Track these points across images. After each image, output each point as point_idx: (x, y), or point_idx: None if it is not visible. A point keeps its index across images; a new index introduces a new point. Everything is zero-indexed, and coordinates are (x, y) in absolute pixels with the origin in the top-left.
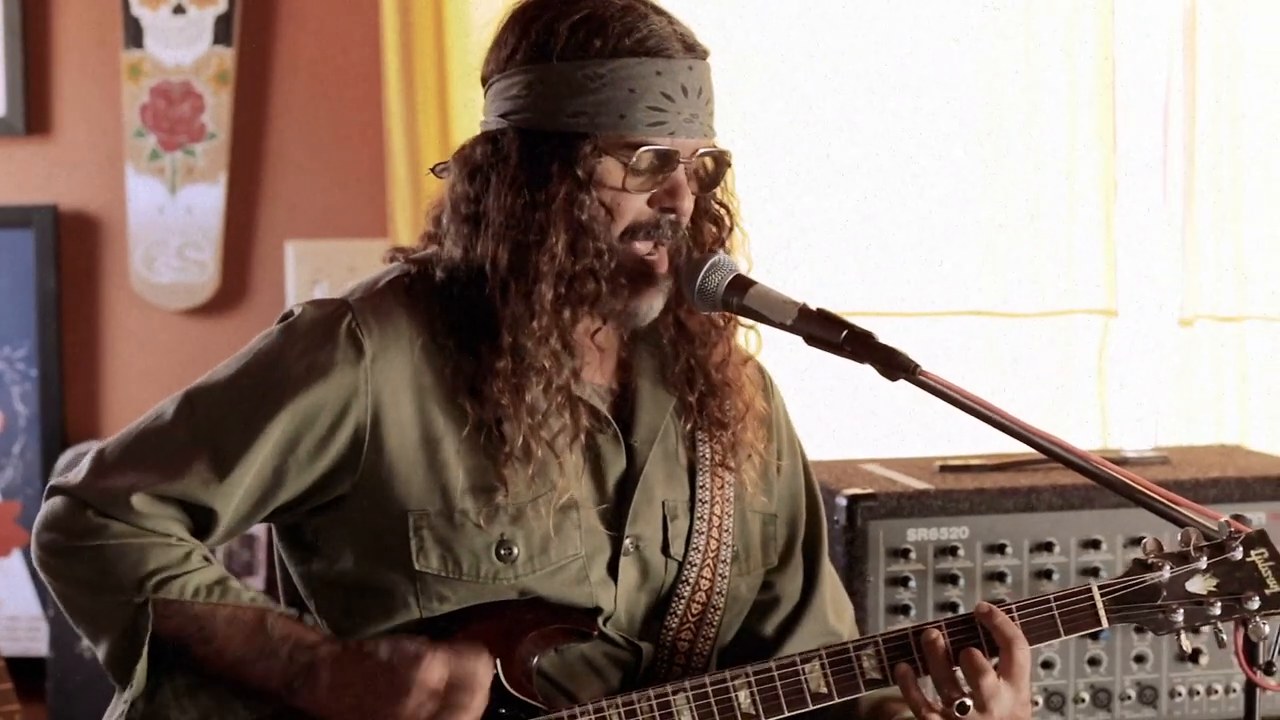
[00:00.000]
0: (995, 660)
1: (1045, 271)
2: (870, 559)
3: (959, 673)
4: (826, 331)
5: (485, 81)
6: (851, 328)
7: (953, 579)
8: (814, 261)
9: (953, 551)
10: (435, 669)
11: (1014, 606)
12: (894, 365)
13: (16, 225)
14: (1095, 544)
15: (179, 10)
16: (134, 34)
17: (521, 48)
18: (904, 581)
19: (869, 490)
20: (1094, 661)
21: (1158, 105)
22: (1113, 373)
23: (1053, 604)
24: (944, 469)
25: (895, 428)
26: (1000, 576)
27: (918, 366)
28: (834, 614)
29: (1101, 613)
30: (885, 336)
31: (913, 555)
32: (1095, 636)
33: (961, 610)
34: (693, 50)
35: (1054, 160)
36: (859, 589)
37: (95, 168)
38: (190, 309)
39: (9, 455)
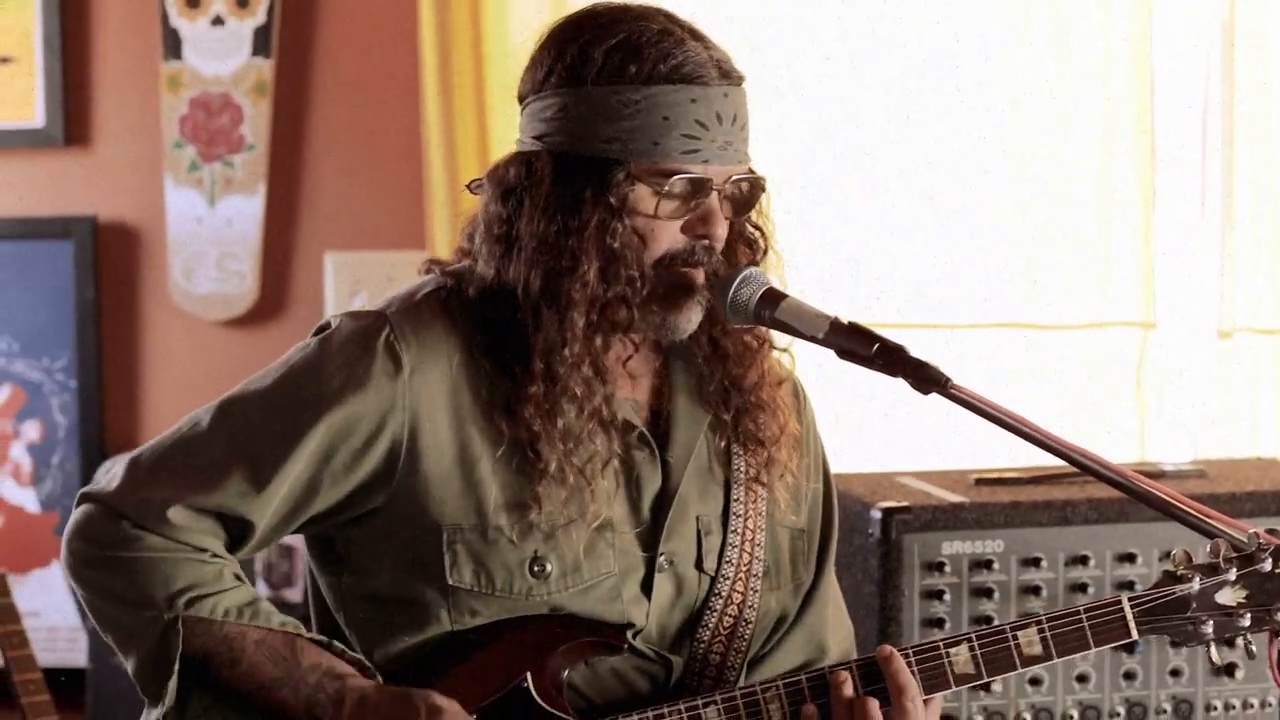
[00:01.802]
0: None
1: (1083, 283)
2: (905, 572)
3: None
4: (858, 345)
5: (522, 100)
6: (883, 341)
7: (988, 592)
8: (848, 274)
9: (988, 565)
10: None
11: (1044, 619)
12: (926, 379)
13: (56, 236)
14: (1130, 557)
15: (218, 22)
16: (173, 45)
17: (557, 70)
18: (939, 595)
19: (904, 503)
20: (1129, 675)
21: (1196, 115)
22: (1151, 385)
23: (1083, 616)
24: (980, 482)
25: (933, 441)
26: (1035, 590)
27: (949, 380)
28: (830, 630)
29: (1132, 624)
30: (921, 349)
31: (947, 569)
32: (1130, 650)
33: (996, 623)
34: (728, 77)
35: (1091, 171)
36: (893, 602)
37: (134, 179)
38: (229, 320)
39: (48, 466)
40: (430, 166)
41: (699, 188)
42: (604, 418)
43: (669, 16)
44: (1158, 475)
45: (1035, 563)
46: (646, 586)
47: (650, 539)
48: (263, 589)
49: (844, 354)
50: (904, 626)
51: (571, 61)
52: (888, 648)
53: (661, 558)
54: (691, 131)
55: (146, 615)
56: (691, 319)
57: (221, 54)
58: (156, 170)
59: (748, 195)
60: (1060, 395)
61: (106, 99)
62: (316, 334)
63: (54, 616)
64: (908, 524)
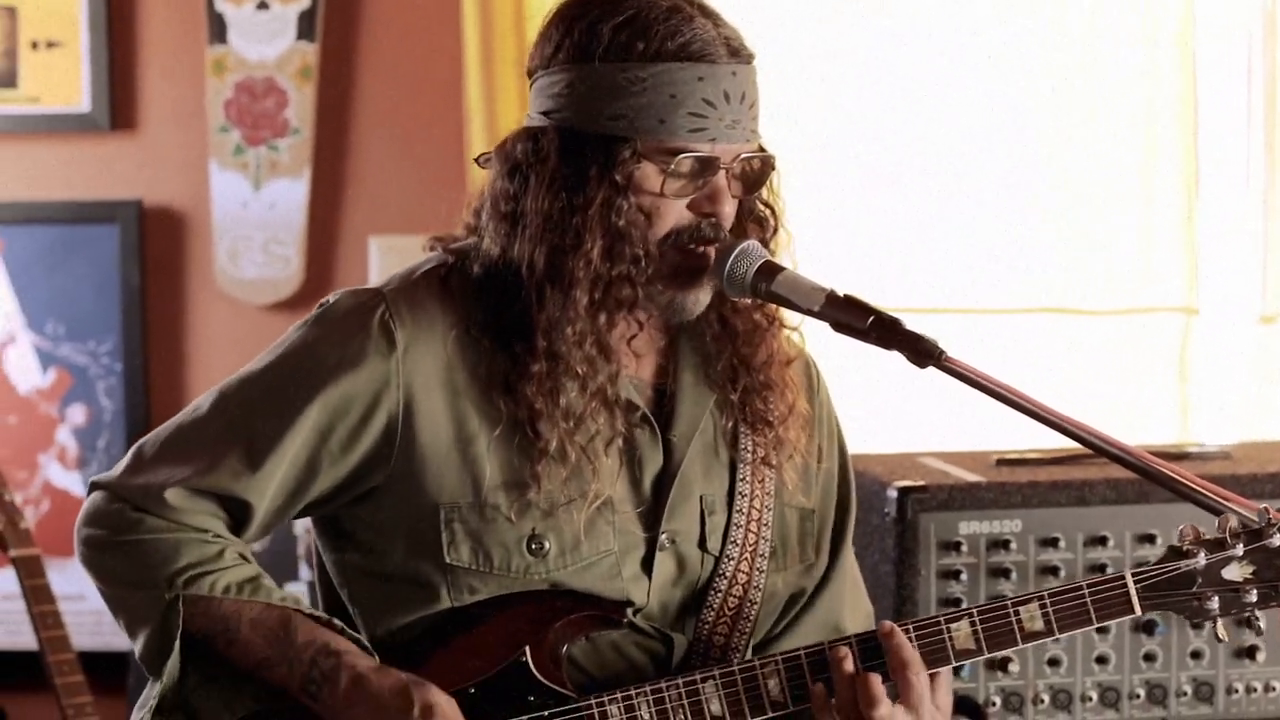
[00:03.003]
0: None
1: (1124, 269)
2: (921, 552)
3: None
4: (852, 318)
5: (530, 75)
6: (879, 314)
7: (1005, 572)
8: (886, 257)
9: (1005, 545)
10: None
11: (1046, 594)
12: (921, 352)
13: (102, 220)
14: (1150, 538)
15: (263, 6)
16: (218, 29)
17: (565, 46)
18: (955, 575)
19: (920, 483)
20: (1149, 657)
21: (1239, 99)
22: (1193, 370)
23: (1085, 591)
24: (1001, 462)
25: (960, 421)
26: (1053, 570)
27: (943, 353)
28: (847, 609)
29: (1135, 600)
30: (961, 335)
31: (964, 548)
32: (1150, 631)
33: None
34: (737, 54)
35: (1133, 154)
36: (909, 582)
37: (179, 163)
38: (274, 304)
39: (94, 450)
40: (473, 149)
41: (706, 166)
42: (607, 396)
43: None
44: (1181, 456)
45: (1053, 543)
46: (647, 565)
47: (652, 518)
48: (305, 573)
49: (839, 327)
50: (920, 606)
51: (580, 37)
52: (888, 623)
53: (663, 536)
54: (698, 110)
55: (150, 595)
56: (700, 299)
57: (266, 38)
58: (202, 154)
59: (757, 173)
60: (1101, 381)
61: (152, 83)
62: (316, 310)
63: (97, 600)
64: (924, 503)
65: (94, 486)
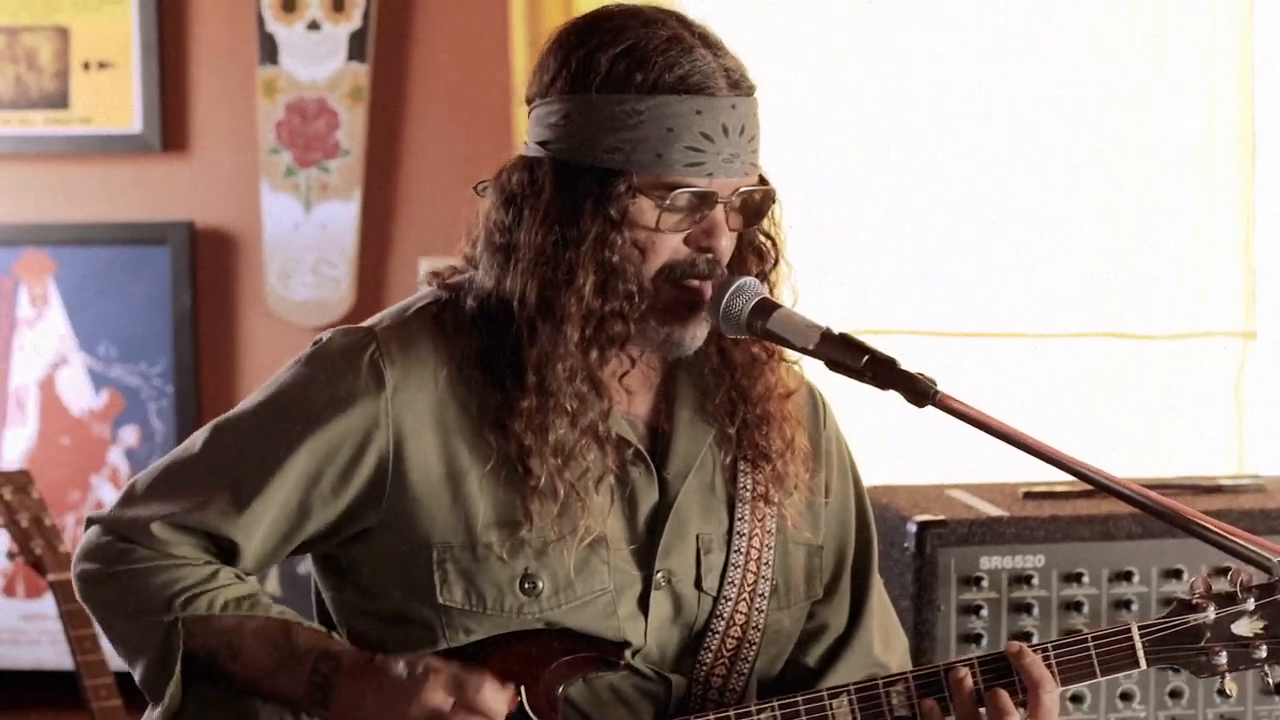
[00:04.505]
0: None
1: (1180, 292)
2: (941, 587)
3: (984, 715)
4: (847, 356)
5: (529, 103)
6: (874, 353)
7: (1027, 608)
8: (941, 282)
9: (1027, 580)
10: (437, 693)
11: (1049, 646)
12: (916, 391)
13: (153, 242)
14: (1177, 573)
15: (314, 26)
16: (269, 50)
17: (562, 75)
18: (976, 610)
19: (939, 517)
20: (1175, 694)
21: None
22: (1250, 397)
23: (1090, 643)
24: (1028, 495)
25: (990, 453)
26: (1077, 606)
27: (938, 392)
28: (881, 646)
29: (1140, 654)
30: (1010, 360)
31: (985, 583)
32: (1176, 669)
33: (1035, 640)
34: (737, 87)
35: (1190, 176)
36: (929, 617)
37: (231, 184)
38: (325, 325)
39: None
40: None
41: (703, 201)
42: (598, 433)
43: (681, 20)
44: (1213, 489)
45: (1077, 578)
46: (643, 604)
47: (647, 556)
48: None
49: (834, 366)
50: (938, 642)
51: (577, 67)
52: (1016, 643)
53: (658, 575)
54: (696, 144)
55: (149, 621)
56: (697, 335)
57: (317, 58)
58: (253, 176)
59: (758, 205)
60: (1155, 407)
61: (203, 104)
62: (310, 349)
63: None
64: (943, 538)
65: (89, 522)
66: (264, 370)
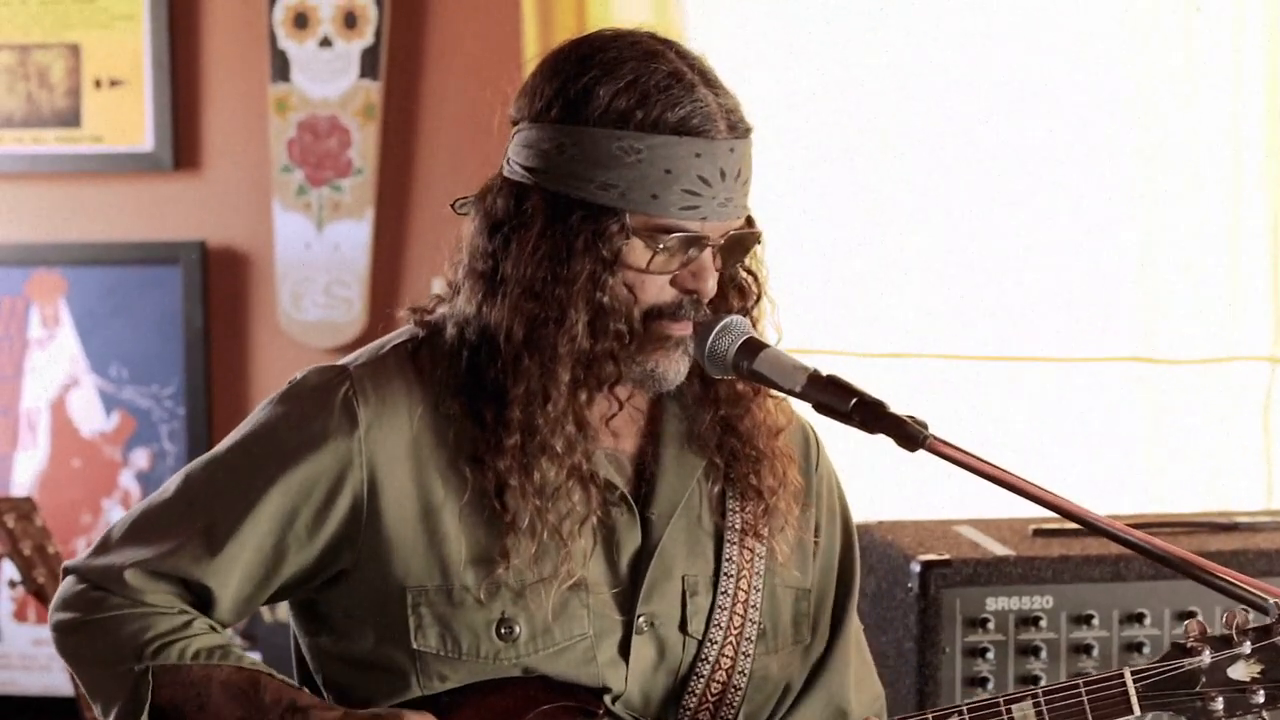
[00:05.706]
0: None
1: (1206, 316)
2: (945, 628)
3: None
4: (835, 399)
5: (515, 123)
6: (862, 396)
7: (1035, 650)
8: (966, 305)
9: (1035, 622)
10: None
11: (1040, 692)
12: (906, 435)
13: (164, 262)
14: (1190, 614)
15: (326, 43)
16: (281, 67)
17: (557, 104)
18: (982, 653)
19: (944, 556)
20: None
21: None
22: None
23: (1082, 690)
24: (1038, 532)
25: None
26: (1087, 649)
27: (929, 436)
28: (853, 693)
29: (1134, 700)
30: (1036, 383)
31: (991, 625)
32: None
33: (1043, 684)
34: (735, 129)
35: (1218, 199)
36: (932, 659)
37: (242, 204)
38: (337, 347)
39: None
40: None
41: (693, 243)
42: (583, 474)
43: (680, 54)
44: (1230, 526)
45: (1087, 620)
46: (624, 649)
47: (629, 600)
48: None
49: (821, 408)
50: (943, 685)
51: (574, 97)
52: None
53: (640, 619)
54: (693, 187)
55: (119, 670)
56: (679, 369)
57: (329, 76)
58: (265, 194)
59: (744, 246)
60: (1182, 433)
61: (215, 122)
62: (285, 387)
63: None
64: (948, 578)
65: (65, 572)
66: (276, 391)
